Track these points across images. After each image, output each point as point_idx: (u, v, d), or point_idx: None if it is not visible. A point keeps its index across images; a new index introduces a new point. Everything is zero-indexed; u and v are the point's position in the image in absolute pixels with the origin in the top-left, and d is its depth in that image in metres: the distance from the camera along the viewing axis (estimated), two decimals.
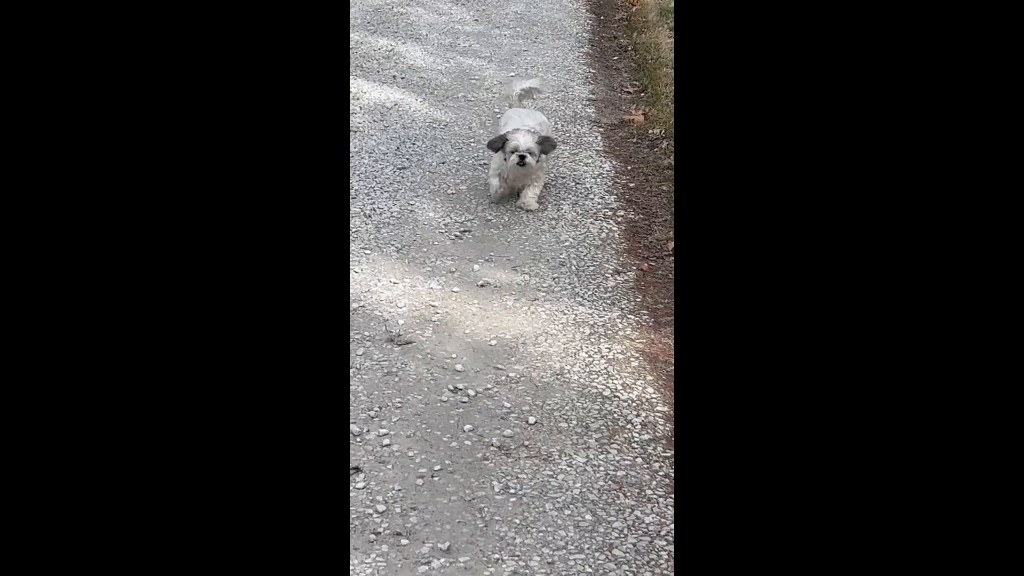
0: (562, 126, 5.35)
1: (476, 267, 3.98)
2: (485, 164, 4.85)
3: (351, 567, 2.50)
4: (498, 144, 4.36)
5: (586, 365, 3.41)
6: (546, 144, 4.35)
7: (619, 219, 4.43)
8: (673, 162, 4.81)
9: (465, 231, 4.25)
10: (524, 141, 4.28)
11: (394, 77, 5.84)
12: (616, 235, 4.30)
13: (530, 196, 4.42)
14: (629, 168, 4.94)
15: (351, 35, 6.36)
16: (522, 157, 4.25)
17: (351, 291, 3.72)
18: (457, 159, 4.89)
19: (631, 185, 4.76)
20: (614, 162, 4.99)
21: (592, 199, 4.59)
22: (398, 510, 2.71)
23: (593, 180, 4.77)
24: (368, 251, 4.03)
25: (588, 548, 2.62)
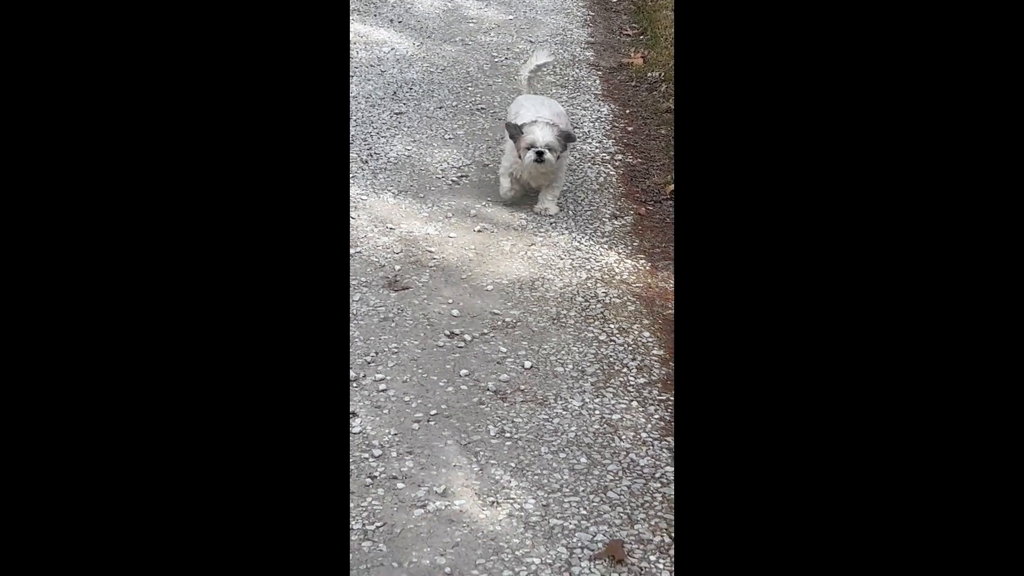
0: (560, 69, 5.30)
1: (473, 212, 3.97)
2: (483, 108, 4.82)
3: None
4: (514, 132, 3.86)
5: (582, 310, 3.41)
6: (566, 139, 3.86)
7: (617, 163, 4.41)
8: (672, 105, 4.78)
9: (462, 176, 4.23)
10: (543, 136, 3.77)
11: (391, 21, 5.79)
12: (614, 179, 4.28)
13: (549, 199, 3.98)
14: (627, 112, 4.91)
15: None
16: (540, 153, 3.76)
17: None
18: (454, 104, 4.86)
19: (629, 129, 4.73)
20: (612, 106, 4.95)
21: (590, 143, 4.56)
22: (394, 454, 2.73)
23: (591, 124, 4.74)
24: (365, 197, 4.02)
25: (583, 491, 2.64)
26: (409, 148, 4.42)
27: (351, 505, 2.54)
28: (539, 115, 3.86)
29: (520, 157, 3.83)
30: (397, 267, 3.58)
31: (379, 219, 3.87)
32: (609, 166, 4.38)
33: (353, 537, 2.45)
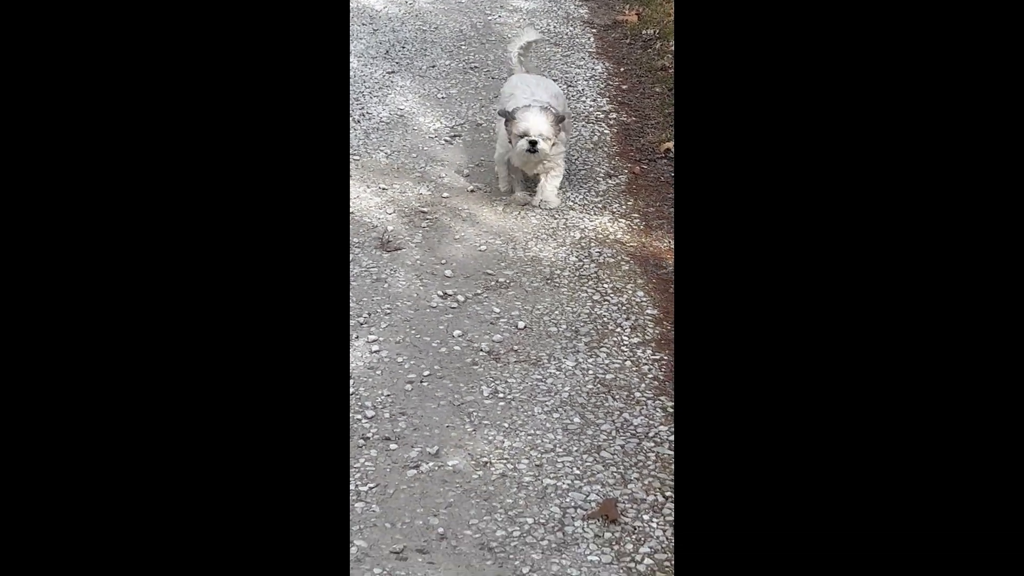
0: (554, 27, 5.25)
1: (466, 172, 3.94)
2: (476, 67, 4.78)
3: None
4: (507, 117, 3.62)
5: (576, 269, 3.40)
6: (559, 121, 3.62)
7: (611, 122, 4.37)
8: (666, 63, 4.74)
9: (455, 136, 4.20)
10: (536, 124, 3.53)
11: None
12: (608, 138, 4.25)
13: (549, 190, 3.72)
14: (622, 70, 4.86)
15: None
16: (533, 143, 3.53)
17: None
18: (447, 63, 4.82)
19: (624, 87, 4.69)
20: (606, 64, 4.91)
21: (584, 101, 4.52)
22: (387, 415, 2.72)
23: (585, 82, 4.70)
24: (357, 157, 3.99)
25: (576, 450, 2.63)
26: (402, 107, 4.38)
27: None
28: (534, 99, 3.61)
29: (511, 144, 3.62)
30: (390, 227, 3.56)
31: (372, 179, 3.84)
32: (603, 124, 4.34)
33: None
